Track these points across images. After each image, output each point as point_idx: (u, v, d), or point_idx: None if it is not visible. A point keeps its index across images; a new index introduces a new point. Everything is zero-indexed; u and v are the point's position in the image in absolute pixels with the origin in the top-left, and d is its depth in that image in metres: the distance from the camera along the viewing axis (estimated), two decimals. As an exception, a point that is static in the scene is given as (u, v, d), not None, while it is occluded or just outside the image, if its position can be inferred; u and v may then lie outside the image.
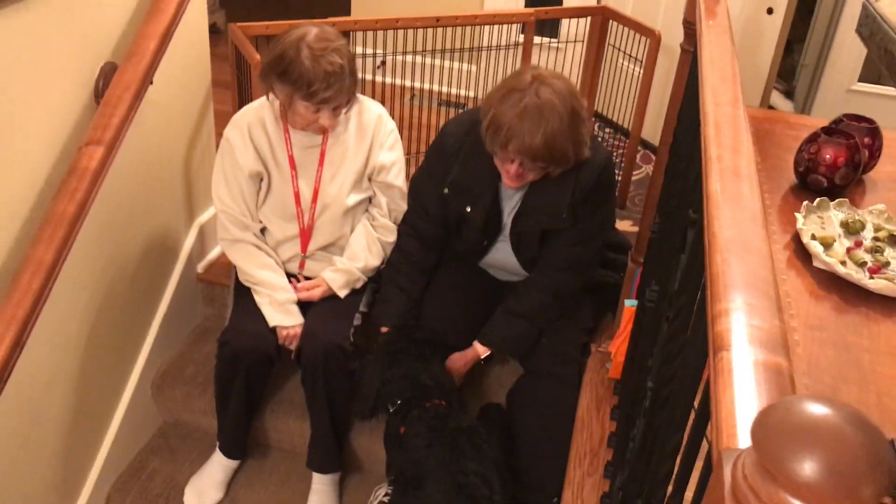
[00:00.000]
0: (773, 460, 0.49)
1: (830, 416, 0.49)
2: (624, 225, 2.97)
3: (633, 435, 1.57)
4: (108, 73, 1.91)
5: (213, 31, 4.33)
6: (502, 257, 2.17)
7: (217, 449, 2.30)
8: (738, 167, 1.03)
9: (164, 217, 2.37)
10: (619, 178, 2.95)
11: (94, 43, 1.90)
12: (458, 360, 2.18)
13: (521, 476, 2.08)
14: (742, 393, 0.67)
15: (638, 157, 3.38)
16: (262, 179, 2.10)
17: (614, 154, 2.80)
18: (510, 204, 2.07)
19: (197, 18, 2.32)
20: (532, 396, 2.12)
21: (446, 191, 2.06)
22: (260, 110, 2.08)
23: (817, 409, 0.50)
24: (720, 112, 1.19)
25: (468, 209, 2.04)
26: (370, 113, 2.13)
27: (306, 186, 2.11)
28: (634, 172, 3.28)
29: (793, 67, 3.90)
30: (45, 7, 1.70)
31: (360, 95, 2.15)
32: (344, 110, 2.02)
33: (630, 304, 2.07)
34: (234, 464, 2.31)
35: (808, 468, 0.47)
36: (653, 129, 3.15)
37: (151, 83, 1.94)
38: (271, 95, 2.00)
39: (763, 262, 0.85)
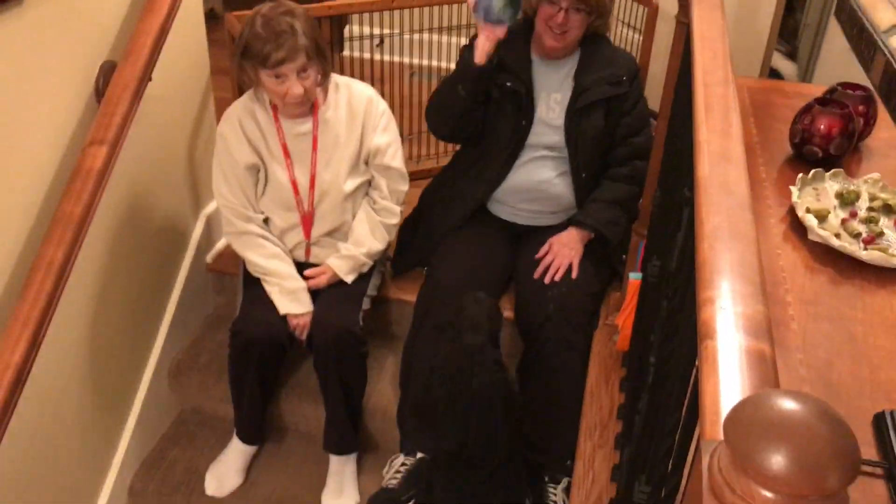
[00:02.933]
0: (744, 456, 0.51)
1: (797, 411, 0.52)
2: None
3: (639, 408, 1.60)
4: (107, 72, 1.93)
5: (212, 16, 4.31)
6: (538, 175, 2.25)
7: (234, 435, 2.34)
8: (726, 151, 1.04)
9: (171, 210, 2.40)
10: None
11: (92, 42, 1.92)
12: (565, 244, 2.22)
13: (535, 442, 2.13)
14: (726, 382, 0.70)
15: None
16: (258, 170, 2.12)
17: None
18: (550, 86, 2.23)
19: (193, 10, 2.33)
20: (541, 364, 2.15)
21: None
22: (250, 102, 2.09)
23: (785, 405, 0.52)
24: (710, 93, 1.19)
25: (508, 84, 2.19)
26: (360, 95, 2.12)
27: (302, 174, 2.11)
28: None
29: (796, 28, 3.85)
30: (43, 9, 1.72)
31: (348, 79, 2.16)
32: (316, 77, 1.98)
33: (634, 276, 2.09)
34: (252, 449, 2.36)
35: (776, 462, 0.50)
36: (658, 97, 3.12)
37: (150, 79, 1.96)
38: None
39: (749, 247, 0.87)
